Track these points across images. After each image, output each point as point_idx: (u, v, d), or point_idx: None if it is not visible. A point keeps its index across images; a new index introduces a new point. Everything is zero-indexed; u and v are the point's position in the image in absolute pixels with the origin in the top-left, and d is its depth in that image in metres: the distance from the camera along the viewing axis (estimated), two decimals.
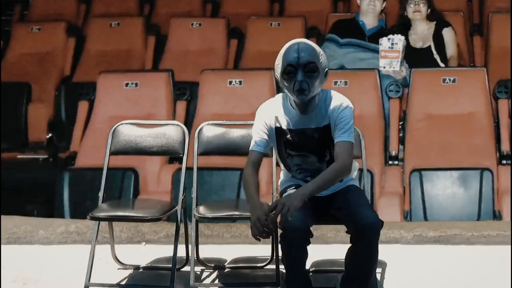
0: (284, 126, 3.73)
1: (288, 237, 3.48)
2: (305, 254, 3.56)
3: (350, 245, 3.61)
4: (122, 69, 6.93)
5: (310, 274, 4.15)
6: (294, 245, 3.49)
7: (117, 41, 7.70)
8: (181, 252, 4.29)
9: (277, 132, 3.74)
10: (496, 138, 6.00)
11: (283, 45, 3.71)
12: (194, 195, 4.18)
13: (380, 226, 3.52)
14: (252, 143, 3.77)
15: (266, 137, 3.74)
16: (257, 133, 3.76)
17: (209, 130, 4.38)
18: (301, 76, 3.57)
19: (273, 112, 3.74)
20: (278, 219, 3.52)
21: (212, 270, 4.45)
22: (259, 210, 3.51)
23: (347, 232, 3.60)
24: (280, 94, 3.81)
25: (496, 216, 5.54)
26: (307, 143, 3.71)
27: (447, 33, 6.61)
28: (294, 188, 3.73)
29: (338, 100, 3.70)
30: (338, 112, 3.66)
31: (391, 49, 6.13)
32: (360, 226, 3.49)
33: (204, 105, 6.26)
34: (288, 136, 3.72)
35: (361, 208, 3.57)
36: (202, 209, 4.08)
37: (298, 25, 7.42)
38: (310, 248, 3.56)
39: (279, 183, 3.96)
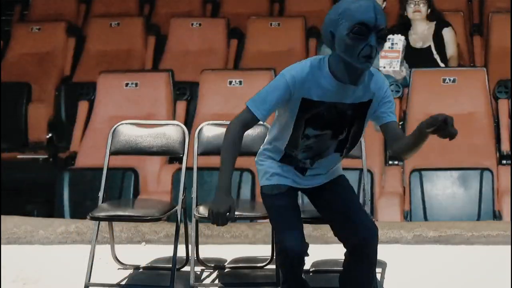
0: (315, 98, 3.16)
1: (284, 257, 3.30)
2: (302, 265, 3.40)
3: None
4: (122, 69, 6.94)
5: (310, 274, 4.16)
6: (292, 264, 3.33)
7: (117, 41, 7.71)
8: (181, 252, 4.28)
9: (303, 106, 3.18)
10: (496, 138, 6.01)
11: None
12: (194, 195, 4.17)
13: (377, 233, 3.29)
14: (258, 102, 3.19)
15: (275, 107, 3.21)
16: (271, 95, 3.17)
17: (209, 130, 4.37)
18: (374, 41, 3.04)
19: (306, 81, 3.15)
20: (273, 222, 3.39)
21: (212, 270, 4.44)
22: (227, 203, 3.21)
23: (334, 234, 3.40)
24: (315, 58, 3.22)
25: (496, 216, 5.54)
26: (337, 119, 3.23)
27: (447, 33, 6.62)
28: (286, 192, 3.36)
29: (380, 76, 3.31)
30: (384, 90, 3.30)
31: (391, 49, 6.14)
32: (359, 237, 3.25)
33: (204, 105, 6.26)
34: (318, 109, 3.19)
35: (358, 215, 3.30)
36: (202, 209, 4.06)
37: (298, 25, 7.39)
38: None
39: (258, 166, 3.49)
